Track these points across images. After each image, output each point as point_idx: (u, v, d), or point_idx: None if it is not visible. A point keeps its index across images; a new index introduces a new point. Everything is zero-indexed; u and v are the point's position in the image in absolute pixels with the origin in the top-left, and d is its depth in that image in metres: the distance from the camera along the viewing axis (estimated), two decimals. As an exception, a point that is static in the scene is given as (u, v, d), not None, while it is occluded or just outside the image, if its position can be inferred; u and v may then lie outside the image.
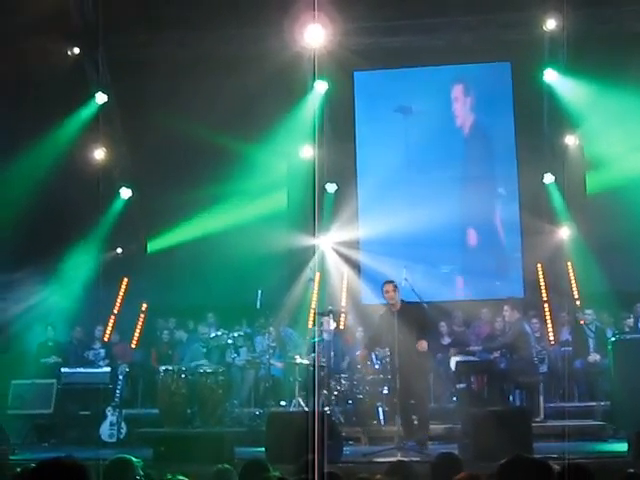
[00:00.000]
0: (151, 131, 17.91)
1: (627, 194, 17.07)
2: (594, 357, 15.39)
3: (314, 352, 13.91)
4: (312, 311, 15.78)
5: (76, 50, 16.95)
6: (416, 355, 11.95)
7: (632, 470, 6.02)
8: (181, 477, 5.57)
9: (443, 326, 16.33)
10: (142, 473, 6.39)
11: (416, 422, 12.17)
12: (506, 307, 15.01)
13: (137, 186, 18.39)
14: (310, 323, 16.09)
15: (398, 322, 11.81)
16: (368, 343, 13.46)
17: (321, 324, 14.61)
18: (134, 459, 6.69)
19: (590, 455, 10.86)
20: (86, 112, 17.14)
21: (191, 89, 17.32)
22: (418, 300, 12.54)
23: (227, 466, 6.71)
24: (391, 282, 12.41)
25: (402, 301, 12.24)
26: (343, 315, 16.28)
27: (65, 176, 16.44)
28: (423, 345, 11.93)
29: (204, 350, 15.69)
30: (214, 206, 18.07)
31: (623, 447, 10.95)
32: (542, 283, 17.22)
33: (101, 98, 17.25)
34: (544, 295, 17.02)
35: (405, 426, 12.05)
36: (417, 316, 12.20)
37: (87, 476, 4.33)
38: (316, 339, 14.14)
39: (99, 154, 17.42)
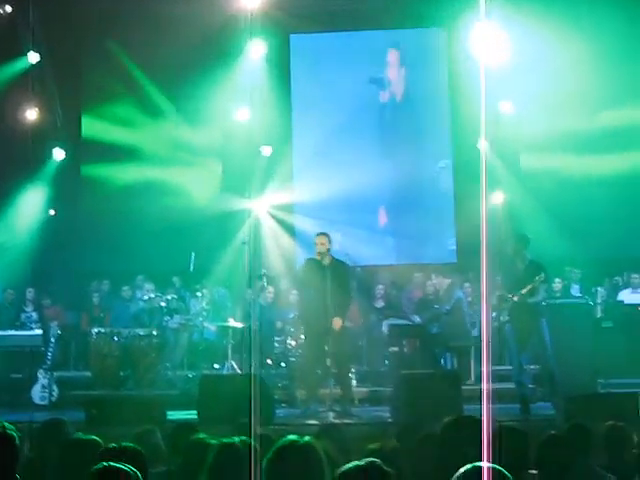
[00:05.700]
0: (85, 90, 17.71)
1: (559, 159, 17.32)
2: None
3: (248, 315, 13.94)
4: (246, 274, 15.78)
5: (8, 8, 16.66)
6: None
7: (553, 432, 6.17)
8: (94, 437, 5.54)
9: (380, 289, 16.39)
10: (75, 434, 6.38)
11: (339, 386, 12.22)
12: (434, 275, 15.17)
13: (70, 147, 18.14)
14: (244, 286, 16.09)
15: (329, 277, 11.67)
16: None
17: (255, 287, 14.60)
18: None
19: (519, 418, 11.09)
20: (18, 71, 16.86)
21: (125, 48, 17.15)
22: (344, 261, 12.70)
23: (150, 427, 6.71)
24: (325, 234, 12.29)
25: (332, 256, 12.19)
26: (277, 278, 16.29)
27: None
28: (339, 323, 11.80)
29: (141, 311, 15.68)
30: (149, 168, 17.98)
31: (552, 410, 11.20)
32: (475, 248, 17.32)
33: (33, 57, 16.96)
34: (477, 260, 17.11)
35: (310, 387, 12.25)
36: (346, 274, 12.35)
37: (13, 440, 4.32)
38: (250, 302, 14.16)
39: (31, 114, 17.13)
